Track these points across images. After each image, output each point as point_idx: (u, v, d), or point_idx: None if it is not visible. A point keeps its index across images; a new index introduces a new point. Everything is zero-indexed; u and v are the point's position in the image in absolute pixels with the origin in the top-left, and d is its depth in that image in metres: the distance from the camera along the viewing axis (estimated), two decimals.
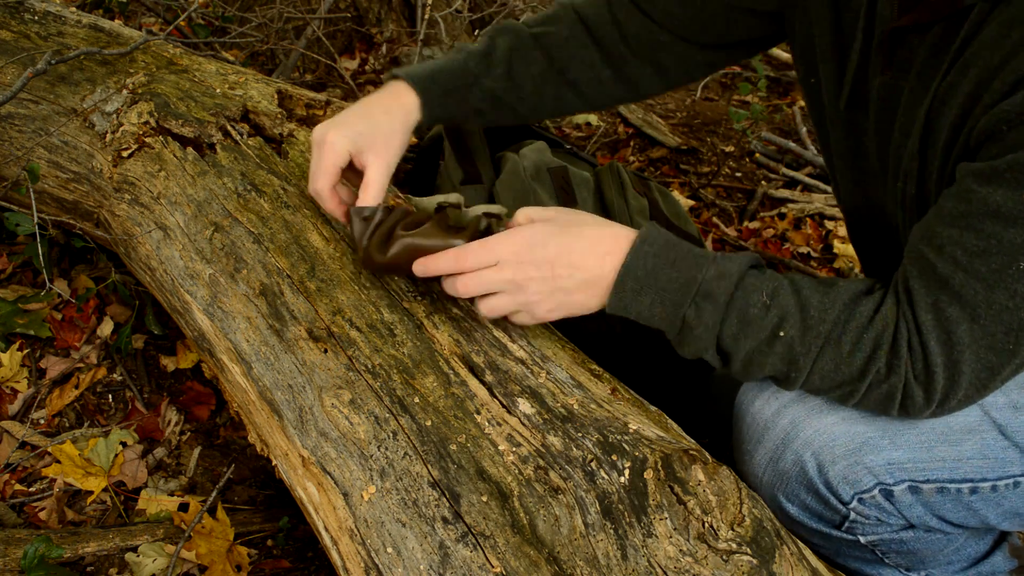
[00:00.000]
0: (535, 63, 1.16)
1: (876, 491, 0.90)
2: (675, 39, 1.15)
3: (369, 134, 1.04)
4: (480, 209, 1.02)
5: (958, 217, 0.78)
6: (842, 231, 2.30)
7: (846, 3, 0.95)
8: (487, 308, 0.93)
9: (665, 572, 0.78)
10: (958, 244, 0.78)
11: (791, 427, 0.92)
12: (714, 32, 1.13)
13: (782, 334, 0.85)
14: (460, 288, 0.93)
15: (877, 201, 1.00)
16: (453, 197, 1.05)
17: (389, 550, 0.83)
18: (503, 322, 1.02)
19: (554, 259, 0.89)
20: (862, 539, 0.96)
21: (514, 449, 0.86)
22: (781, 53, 3.12)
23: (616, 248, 0.89)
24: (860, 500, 0.90)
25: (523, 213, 0.96)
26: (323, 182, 1.04)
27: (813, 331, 0.84)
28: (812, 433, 0.91)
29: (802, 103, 2.94)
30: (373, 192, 1.02)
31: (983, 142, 0.76)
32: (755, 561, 0.80)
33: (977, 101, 0.77)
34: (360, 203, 1.02)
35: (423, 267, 0.95)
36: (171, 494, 1.35)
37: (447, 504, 0.83)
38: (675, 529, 0.81)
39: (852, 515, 0.92)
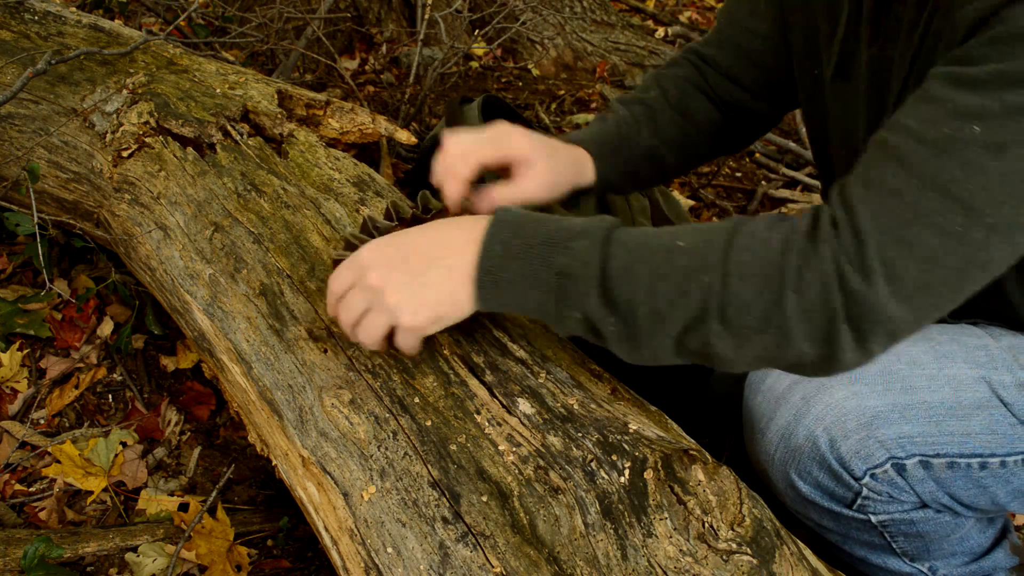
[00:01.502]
0: (671, 121, 1.19)
1: (888, 465, 0.90)
2: (744, 93, 1.21)
3: (547, 161, 1.01)
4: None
5: (917, 96, 0.74)
6: None
7: None
8: (363, 335, 0.86)
9: (665, 572, 0.78)
10: (912, 115, 0.73)
11: (803, 403, 0.93)
12: (767, 71, 1.17)
13: (680, 244, 0.75)
14: (342, 323, 0.87)
15: None
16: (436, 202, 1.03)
17: (389, 550, 0.83)
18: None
19: (407, 252, 0.84)
20: (873, 519, 0.96)
21: (514, 449, 0.86)
22: None
23: (476, 228, 0.82)
24: (872, 475, 0.91)
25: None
26: (482, 154, 0.97)
27: (715, 231, 0.76)
28: (823, 408, 0.91)
29: None
30: (517, 194, 0.98)
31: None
32: (755, 561, 0.80)
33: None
34: (501, 191, 0.97)
35: (329, 309, 0.91)
36: (171, 494, 1.35)
37: (447, 504, 0.83)
38: (675, 529, 0.81)
39: (864, 491, 0.92)
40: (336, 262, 0.93)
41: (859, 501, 0.94)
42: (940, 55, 0.79)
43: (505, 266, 0.80)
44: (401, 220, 1.00)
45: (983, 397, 0.90)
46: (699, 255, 0.74)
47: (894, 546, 1.00)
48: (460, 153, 0.96)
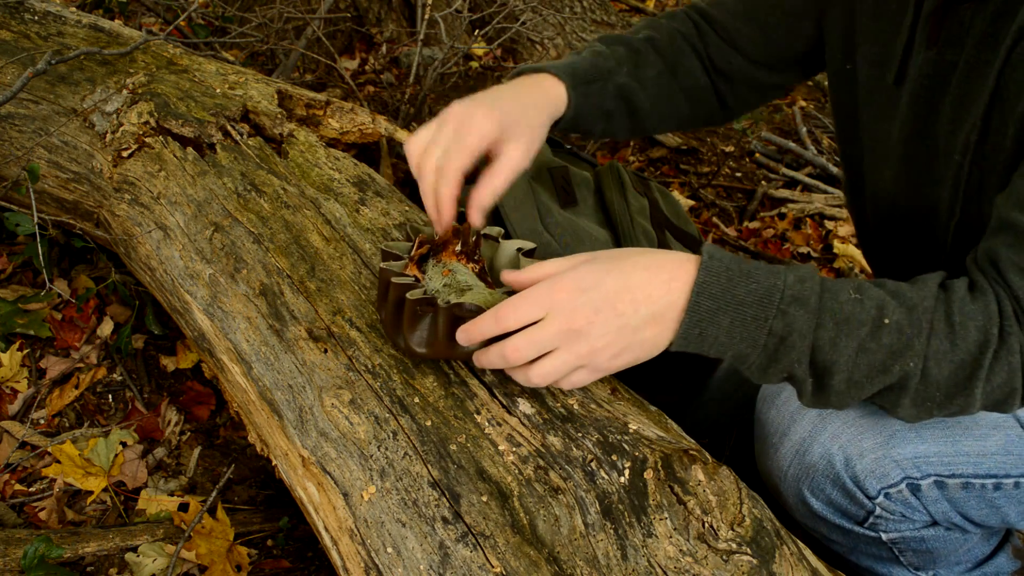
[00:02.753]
0: (653, 64, 1.16)
1: (903, 485, 0.90)
2: (745, 62, 1.17)
3: (517, 122, 0.94)
4: (514, 245, 0.99)
5: None
6: (842, 231, 2.30)
7: None
8: (541, 374, 0.80)
9: (665, 572, 0.78)
10: None
11: (819, 420, 0.92)
12: (777, 46, 1.14)
13: (887, 321, 0.76)
14: (510, 356, 0.80)
15: (917, 189, 0.98)
16: (495, 230, 1.00)
17: (389, 550, 0.83)
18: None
19: (614, 296, 0.78)
20: (884, 536, 0.96)
21: (514, 449, 0.86)
22: None
23: (681, 272, 0.79)
24: (886, 495, 0.90)
25: (542, 268, 0.83)
26: (460, 161, 0.89)
27: (919, 309, 0.77)
28: (840, 426, 0.91)
29: (802, 103, 2.94)
30: (499, 180, 0.90)
31: None
32: (755, 561, 0.80)
33: None
34: (482, 189, 0.89)
35: (466, 335, 0.83)
36: (171, 494, 1.35)
37: (447, 504, 0.83)
38: (675, 529, 0.81)
39: (877, 510, 0.92)
40: (383, 271, 0.90)
41: (871, 519, 0.93)
42: None
43: (715, 320, 0.78)
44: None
45: (1000, 417, 0.90)
46: (904, 337, 0.76)
47: (901, 559, 1.00)
48: (438, 175, 0.92)
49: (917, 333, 0.76)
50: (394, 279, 0.89)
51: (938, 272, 0.81)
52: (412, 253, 0.95)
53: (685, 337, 0.79)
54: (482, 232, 0.98)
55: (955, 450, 0.89)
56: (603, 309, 0.78)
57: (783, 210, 2.36)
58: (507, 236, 1.02)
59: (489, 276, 0.96)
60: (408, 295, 0.86)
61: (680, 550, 0.79)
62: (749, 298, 0.77)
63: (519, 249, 0.98)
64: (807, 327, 0.76)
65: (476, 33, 2.63)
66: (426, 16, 2.25)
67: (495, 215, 1.52)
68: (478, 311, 0.84)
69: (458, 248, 0.97)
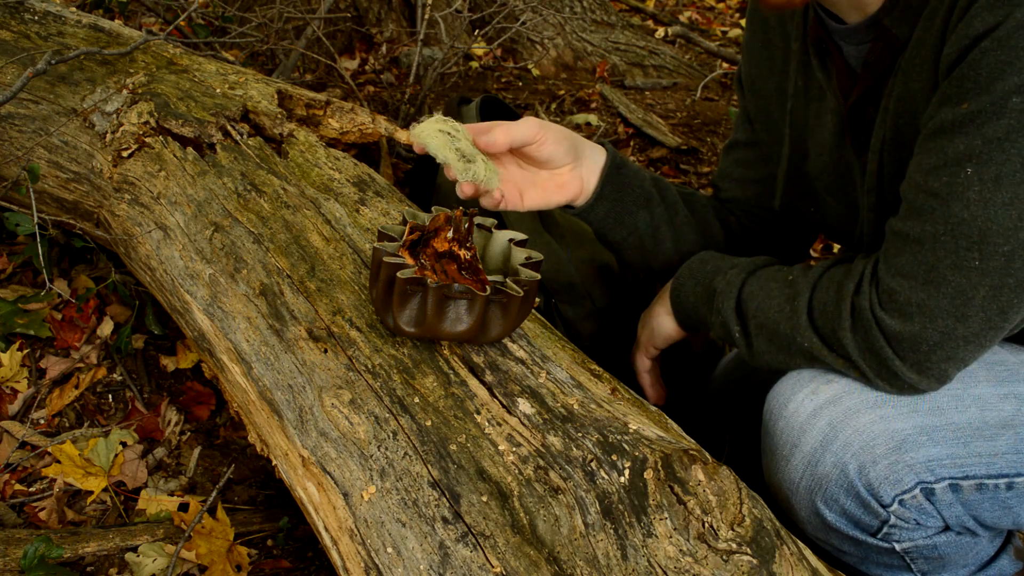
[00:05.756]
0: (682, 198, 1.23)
1: (917, 490, 0.89)
2: (774, 215, 1.24)
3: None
4: (506, 236, 1.01)
5: (917, 149, 0.84)
6: None
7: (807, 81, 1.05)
8: None
9: (665, 572, 0.78)
10: (917, 168, 0.83)
11: (829, 429, 0.91)
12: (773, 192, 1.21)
13: (790, 277, 0.97)
14: None
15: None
16: (488, 220, 1.02)
17: (389, 550, 0.83)
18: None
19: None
20: (898, 546, 0.95)
21: (514, 449, 0.86)
22: None
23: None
24: (901, 502, 0.90)
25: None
26: (503, 134, 0.97)
27: (814, 270, 0.95)
28: (851, 434, 0.90)
29: None
30: (504, 130, 0.96)
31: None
32: (755, 561, 0.80)
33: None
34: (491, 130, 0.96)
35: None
36: (171, 494, 1.35)
37: (447, 504, 0.83)
38: (675, 529, 0.81)
39: (892, 519, 0.91)
40: (376, 250, 0.93)
41: (885, 529, 0.92)
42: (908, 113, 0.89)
43: (685, 291, 1.10)
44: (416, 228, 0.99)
45: (1009, 415, 0.89)
46: (797, 284, 0.95)
47: (912, 567, 0.99)
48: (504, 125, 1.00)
49: (807, 284, 0.93)
50: (386, 258, 0.91)
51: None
52: (404, 239, 0.96)
53: (673, 307, 1.13)
54: (475, 221, 1.00)
55: (967, 451, 0.88)
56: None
57: None
58: (500, 227, 1.04)
59: (480, 264, 0.97)
60: (399, 274, 0.89)
61: (680, 550, 0.79)
62: (706, 277, 1.07)
63: (511, 240, 0.99)
64: (737, 280, 1.01)
65: (476, 33, 2.63)
66: (426, 16, 2.25)
67: (497, 214, 1.52)
68: (466, 292, 0.90)
69: (449, 235, 0.98)
